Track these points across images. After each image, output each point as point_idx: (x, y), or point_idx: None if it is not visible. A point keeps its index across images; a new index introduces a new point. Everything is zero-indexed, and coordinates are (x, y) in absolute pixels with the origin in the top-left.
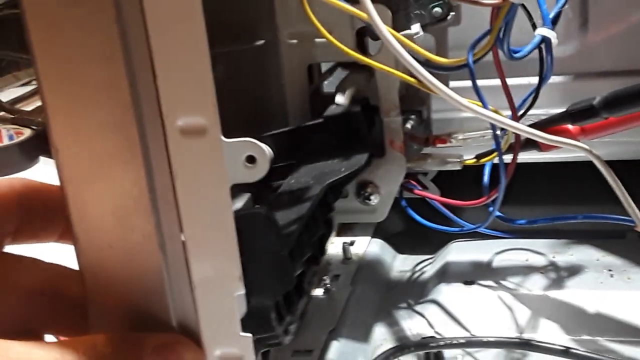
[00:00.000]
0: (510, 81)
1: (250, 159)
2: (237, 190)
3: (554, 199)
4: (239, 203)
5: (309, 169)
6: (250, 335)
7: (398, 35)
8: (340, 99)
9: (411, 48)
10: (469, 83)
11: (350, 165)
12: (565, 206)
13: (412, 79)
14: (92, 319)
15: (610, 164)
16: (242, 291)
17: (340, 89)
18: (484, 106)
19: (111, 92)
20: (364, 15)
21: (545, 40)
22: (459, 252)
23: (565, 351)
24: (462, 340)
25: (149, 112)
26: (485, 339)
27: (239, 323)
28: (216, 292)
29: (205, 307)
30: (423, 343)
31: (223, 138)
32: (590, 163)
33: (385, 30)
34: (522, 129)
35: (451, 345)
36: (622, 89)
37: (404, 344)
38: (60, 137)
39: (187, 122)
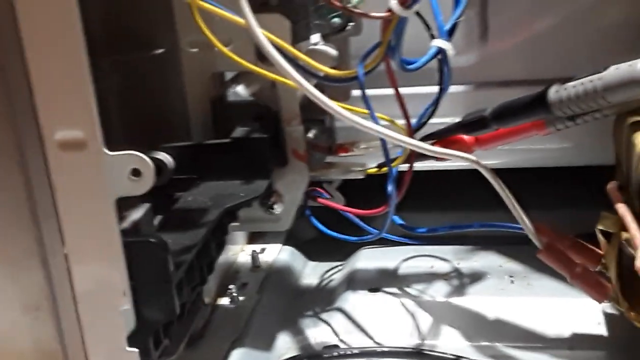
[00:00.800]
0: (414, 90)
1: (136, 172)
2: (136, 199)
3: (460, 206)
4: (137, 214)
5: (209, 187)
6: (136, 350)
7: (287, 46)
8: (241, 90)
9: (301, 59)
10: (382, 91)
11: (250, 191)
12: (471, 212)
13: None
14: None
15: (512, 171)
16: (128, 306)
17: (245, 80)
18: (372, 117)
19: None
20: (242, 22)
21: (441, 51)
22: (367, 259)
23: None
24: (356, 351)
25: (26, 124)
26: (379, 349)
27: (124, 338)
28: (100, 307)
29: (90, 322)
30: (317, 354)
31: (106, 151)
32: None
33: (263, 39)
34: (407, 141)
35: (345, 356)
36: (509, 101)
37: (297, 356)
38: None
39: (66, 135)
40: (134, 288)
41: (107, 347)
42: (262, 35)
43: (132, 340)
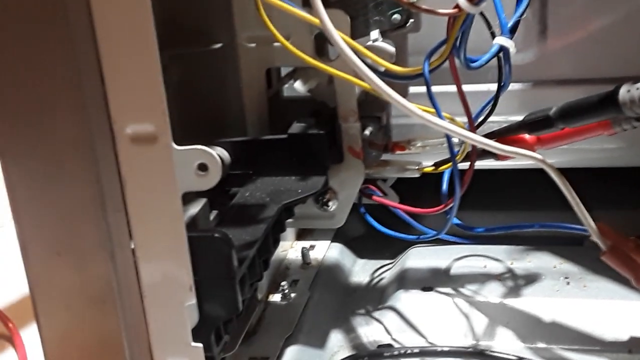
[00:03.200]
0: (471, 87)
1: (202, 167)
2: (192, 194)
3: (514, 206)
4: (195, 209)
5: (265, 183)
6: (201, 345)
7: (352, 42)
8: (299, 86)
9: (366, 56)
10: (436, 88)
11: (307, 187)
12: (525, 212)
13: (368, 86)
14: (42, 330)
15: (567, 171)
16: (193, 301)
17: (302, 75)
18: (438, 115)
19: (59, 98)
20: (316, 21)
21: (503, 49)
22: (418, 257)
23: None
24: (415, 350)
25: (97, 118)
26: (439, 349)
27: (189, 333)
28: (166, 301)
29: (155, 317)
30: (376, 353)
31: (174, 145)
32: None
33: (337, 36)
34: (475, 138)
35: (405, 355)
36: (576, 100)
37: (357, 354)
38: (6, 141)
39: (137, 129)
40: (198, 283)
41: (172, 342)
42: (334, 31)
43: (194, 335)
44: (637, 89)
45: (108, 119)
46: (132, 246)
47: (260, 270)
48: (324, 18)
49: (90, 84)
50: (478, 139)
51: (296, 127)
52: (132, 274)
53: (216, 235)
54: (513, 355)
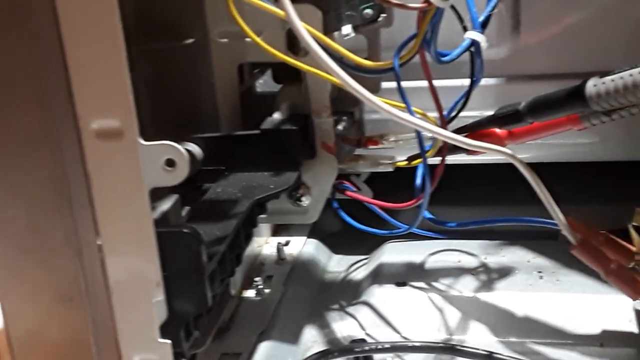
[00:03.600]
0: (445, 83)
1: (170, 163)
2: (165, 190)
3: (488, 200)
4: (166, 205)
5: (238, 178)
6: (169, 341)
7: (321, 36)
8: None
9: (336, 50)
10: (410, 83)
11: (280, 183)
12: (499, 207)
13: (338, 81)
14: (9, 328)
15: (541, 166)
16: (161, 297)
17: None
18: (408, 109)
19: (23, 93)
20: (281, 13)
21: (474, 43)
22: (393, 253)
23: (489, 356)
24: (387, 345)
25: (62, 113)
26: (410, 344)
27: (157, 329)
28: (134, 298)
29: (123, 313)
30: (348, 348)
31: (141, 141)
32: None
33: (303, 30)
34: (443, 133)
35: (376, 350)
36: (545, 95)
37: (328, 349)
38: None
39: (102, 124)
40: (166, 279)
41: (140, 338)
42: (300, 26)
43: (163, 331)
44: (603, 83)
45: (73, 114)
46: (99, 242)
47: (232, 266)
48: (290, 12)
49: (55, 79)
50: (446, 134)
51: (268, 123)
52: (99, 271)
53: (185, 230)
54: (483, 350)
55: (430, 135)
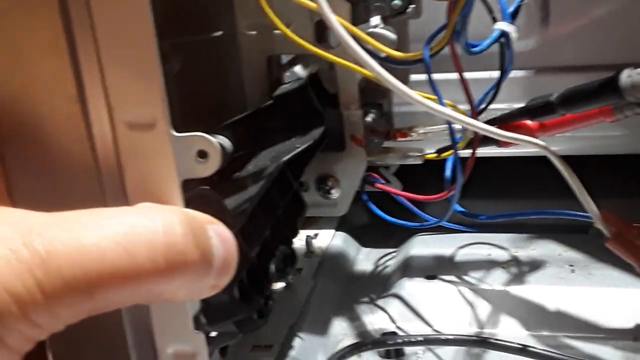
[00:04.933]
0: (473, 75)
1: (202, 154)
2: (194, 183)
3: (518, 193)
4: None
5: (267, 153)
6: (202, 332)
7: (352, 28)
8: (299, 71)
9: (366, 41)
10: (439, 76)
11: (305, 140)
12: (529, 200)
13: (369, 73)
14: None
15: (572, 159)
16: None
17: (303, 61)
18: (440, 101)
19: (56, 85)
20: (313, 5)
21: (504, 34)
22: (422, 245)
23: (522, 349)
24: (419, 338)
25: (96, 105)
26: (442, 337)
27: (191, 320)
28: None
29: (157, 304)
30: (380, 340)
31: (173, 132)
32: None
33: (336, 22)
34: (476, 125)
35: (408, 343)
36: (578, 86)
37: (361, 342)
38: (7, 132)
39: (135, 116)
40: None
41: (174, 330)
42: (333, 17)
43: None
44: (638, 73)
45: (107, 106)
46: None
47: (275, 229)
48: (323, 4)
49: (89, 73)
50: (478, 125)
51: (281, 89)
52: None
53: (204, 191)
54: (516, 343)
55: (460, 127)
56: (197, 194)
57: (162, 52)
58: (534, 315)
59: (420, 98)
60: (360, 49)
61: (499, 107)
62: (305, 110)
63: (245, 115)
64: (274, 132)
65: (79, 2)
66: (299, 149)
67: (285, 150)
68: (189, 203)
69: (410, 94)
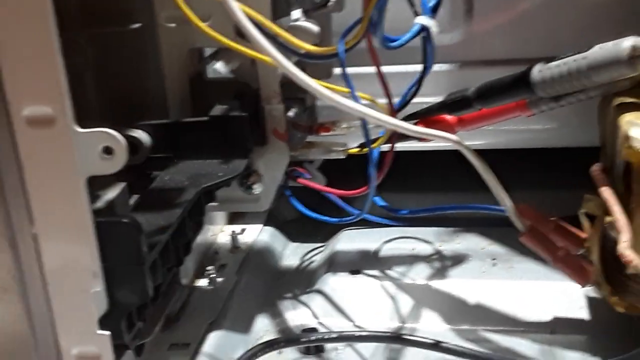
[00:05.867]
0: (396, 69)
1: (107, 150)
2: (112, 178)
3: (443, 186)
4: (113, 193)
5: (186, 166)
6: (108, 332)
7: (266, 21)
8: (221, 67)
9: (280, 36)
10: (367, 69)
11: (229, 170)
12: (454, 193)
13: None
14: None
15: (496, 152)
16: (99, 288)
17: (225, 56)
18: (353, 96)
19: None
20: None
21: (424, 28)
22: (348, 240)
23: (436, 344)
24: (334, 335)
25: None
26: (357, 334)
27: (95, 321)
28: (71, 288)
29: (60, 304)
30: (294, 338)
31: (76, 128)
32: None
33: (240, 14)
34: (387, 120)
35: (323, 340)
36: (493, 81)
37: (275, 340)
38: None
39: (34, 111)
40: (107, 269)
41: (78, 330)
42: (239, 11)
43: (104, 322)
44: (548, 69)
45: (3, 100)
46: (34, 232)
47: (178, 255)
48: None
49: None
50: (389, 121)
51: (218, 109)
52: (34, 261)
53: (124, 220)
54: (430, 339)
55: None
56: (118, 222)
57: (76, 44)
58: (455, 309)
59: (328, 93)
60: (267, 43)
61: (426, 100)
62: (236, 140)
63: (172, 122)
64: (199, 146)
65: None
66: (221, 179)
67: (206, 173)
68: (108, 227)
69: (317, 88)
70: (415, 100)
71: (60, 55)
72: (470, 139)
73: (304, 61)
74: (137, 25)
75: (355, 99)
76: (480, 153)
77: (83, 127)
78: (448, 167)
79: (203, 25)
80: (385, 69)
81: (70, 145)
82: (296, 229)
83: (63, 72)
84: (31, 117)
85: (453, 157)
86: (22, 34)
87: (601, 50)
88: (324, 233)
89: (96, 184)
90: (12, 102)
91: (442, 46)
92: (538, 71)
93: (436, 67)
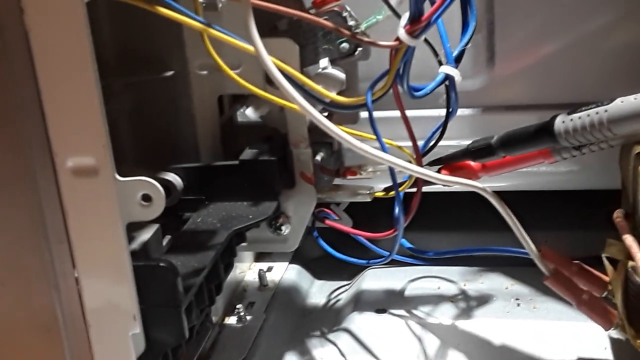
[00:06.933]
0: (422, 113)
1: (146, 198)
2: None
3: (468, 226)
4: (147, 234)
5: (217, 208)
6: None
7: (294, 72)
8: (250, 112)
9: (309, 86)
10: (393, 113)
11: (259, 213)
12: (478, 233)
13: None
14: None
15: (520, 194)
16: (138, 330)
17: (254, 102)
18: (381, 145)
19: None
20: (251, 49)
21: (448, 77)
22: (373, 279)
23: None
24: None
25: (39, 151)
26: None
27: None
28: (111, 330)
29: (100, 345)
30: None
31: (117, 177)
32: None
33: (271, 64)
34: (412, 169)
35: None
36: (516, 130)
37: None
38: None
39: (78, 162)
40: (144, 311)
41: None
42: (269, 61)
43: None
44: (571, 120)
45: (49, 151)
46: (76, 275)
47: (211, 296)
48: (259, 46)
49: (31, 118)
50: (417, 170)
51: (248, 154)
52: (77, 303)
53: (161, 264)
54: None
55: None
56: (155, 266)
57: (113, 90)
58: (480, 349)
59: (355, 142)
60: (295, 92)
61: (449, 143)
62: (265, 183)
63: (204, 165)
64: (229, 189)
65: (20, 46)
66: (251, 222)
67: (237, 215)
68: (145, 270)
69: (346, 138)
70: (440, 143)
71: (102, 107)
72: (493, 180)
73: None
74: (170, 73)
75: (382, 145)
76: (504, 193)
77: (119, 171)
78: (473, 206)
79: (233, 74)
80: (410, 112)
81: (111, 193)
82: (322, 267)
83: (105, 123)
84: (75, 167)
85: (477, 197)
86: (66, 88)
87: (623, 104)
88: (350, 271)
89: (131, 225)
90: (58, 153)
91: (465, 92)
92: (561, 122)
93: (460, 112)
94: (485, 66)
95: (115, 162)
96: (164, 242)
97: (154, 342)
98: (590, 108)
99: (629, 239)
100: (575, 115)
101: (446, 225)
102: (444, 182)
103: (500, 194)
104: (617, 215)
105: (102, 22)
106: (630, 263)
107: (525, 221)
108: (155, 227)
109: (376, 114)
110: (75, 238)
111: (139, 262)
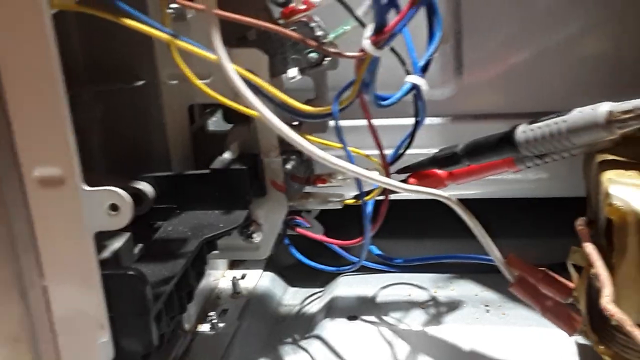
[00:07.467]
0: (391, 122)
1: (113, 207)
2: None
3: (438, 232)
4: (118, 243)
5: (189, 217)
6: None
7: (260, 81)
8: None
9: (275, 95)
10: (357, 122)
11: (229, 221)
12: (448, 239)
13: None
14: None
15: (489, 202)
16: (106, 338)
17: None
18: (347, 155)
19: None
20: (214, 58)
21: (415, 87)
22: (345, 286)
23: None
24: None
25: (5, 161)
26: None
27: None
28: (79, 339)
29: (68, 354)
30: None
31: (84, 187)
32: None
33: (234, 74)
34: (377, 178)
35: None
36: (479, 139)
37: None
38: None
39: (44, 172)
40: (113, 319)
41: None
42: (234, 74)
43: None
44: (532, 130)
45: (15, 162)
46: (44, 284)
47: (182, 304)
48: (222, 56)
49: None
50: (382, 180)
51: (218, 162)
52: (44, 312)
53: (130, 272)
54: None
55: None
56: (124, 274)
57: (82, 100)
58: (449, 355)
59: (321, 154)
60: (258, 102)
61: (420, 152)
62: (236, 192)
63: (175, 174)
64: (201, 198)
65: None
66: (222, 230)
67: (208, 224)
68: (114, 279)
69: (312, 150)
70: (408, 151)
71: (69, 118)
72: (460, 188)
73: None
74: (140, 83)
75: (348, 155)
76: (474, 201)
77: (89, 180)
78: (443, 214)
79: (201, 84)
80: (378, 122)
81: (78, 203)
82: (295, 274)
83: (72, 134)
84: (42, 177)
85: (445, 205)
86: (32, 98)
87: (580, 114)
88: (323, 278)
89: (101, 233)
90: (24, 163)
91: (433, 101)
92: (522, 132)
93: (428, 121)
94: (454, 75)
95: (86, 171)
96: (136, 251)
97: (124, 350)
98: (550, 118)
99: (589, 247)
100: (536, 125)
101: (418, 233)
102: (408, 191)
103: (469, 202)
104: (580, 223)
105: (71, 32)
106: (593, 270)
107: (493, 229)
108: (126, 235)
109: (346, 122)
110: (43, 247)
111: (108, 270)
